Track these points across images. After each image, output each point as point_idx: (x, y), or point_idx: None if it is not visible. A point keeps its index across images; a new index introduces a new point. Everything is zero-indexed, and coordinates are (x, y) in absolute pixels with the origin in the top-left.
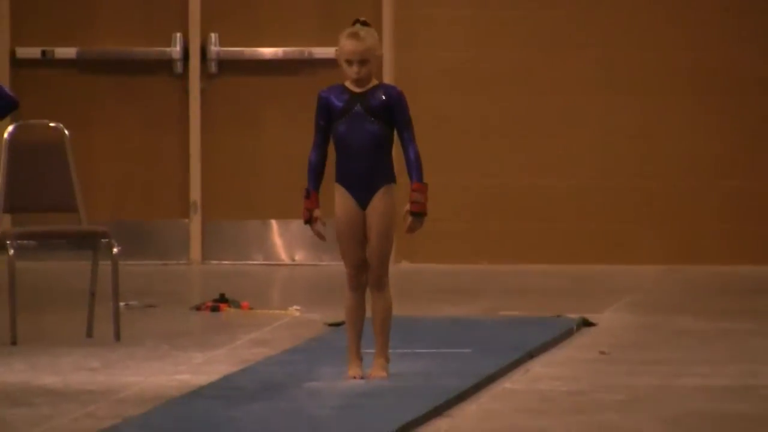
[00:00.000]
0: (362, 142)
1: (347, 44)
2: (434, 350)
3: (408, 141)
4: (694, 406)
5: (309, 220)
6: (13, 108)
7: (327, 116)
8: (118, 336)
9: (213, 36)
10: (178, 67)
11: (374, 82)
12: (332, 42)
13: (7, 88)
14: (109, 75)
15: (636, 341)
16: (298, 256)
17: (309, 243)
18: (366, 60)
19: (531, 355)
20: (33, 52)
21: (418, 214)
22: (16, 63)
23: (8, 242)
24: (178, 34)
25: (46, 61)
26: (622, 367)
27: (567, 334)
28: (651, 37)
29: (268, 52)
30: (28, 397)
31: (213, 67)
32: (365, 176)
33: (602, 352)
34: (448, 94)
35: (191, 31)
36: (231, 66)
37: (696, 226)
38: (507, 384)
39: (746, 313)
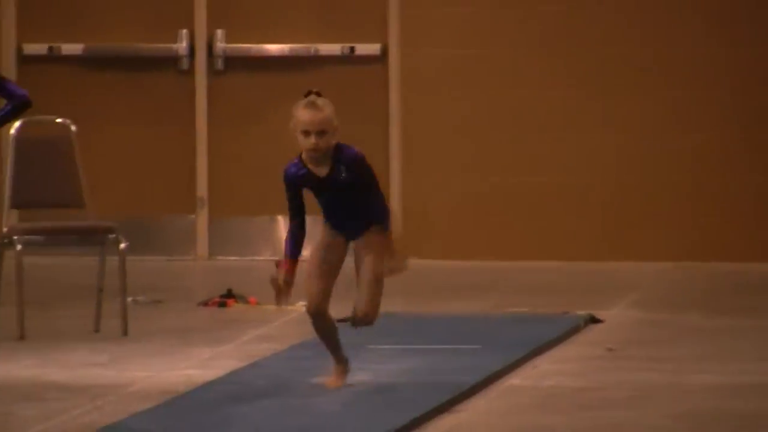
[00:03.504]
0: (345, 208)
1: (304, 114)
2: (442, 346)
3: (374, 198)
4: (701, 403)
5: (277, 285)
6: (26, 108)
7: (297, 191)
8: (125, 331)
9: (219, 32)
10: (185, 64)
11: (332, 152)
12: (338, 39)
13: (20, 89)
14: (116, 71)
15: (644, 338)
16: (306, 252)
17: (316, 239)
18: (324, 131)
19: (538, 352)
20: (39, 48)
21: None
22: (22, 59)
23: (15, 238)
24: (184, 31)
25: (53, 57)
26: (629, 363)
27: (574, 331)
28: (652, 32)
29: (274, 48)
30: (38, 392)
31: (219, 64)
32: (354, 224)
33: (609, 349)
34: (455, 93)
35: (197, 28)
36: (237, 63)
37: (706, 223)
38: (515, 380)
39: (756, 310)
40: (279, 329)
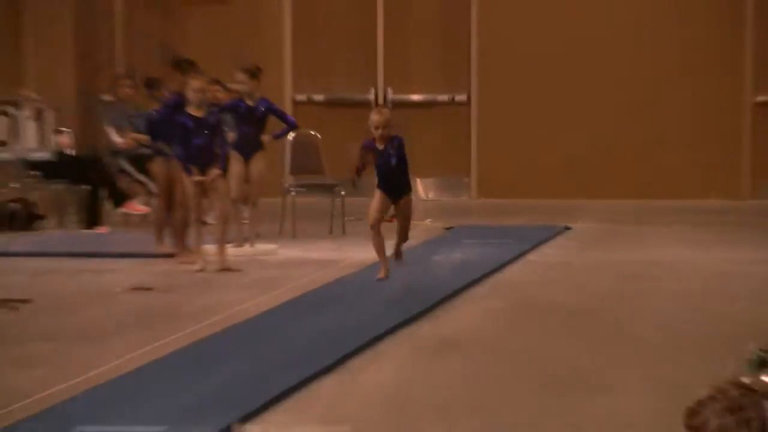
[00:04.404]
0: (392, 171)
1: (374, 116)
2: (496, 241)
3: (406, 170)
4: (628, 269)
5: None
6: (295, 128)
7: (365, 154)
8: (344, 232)
9: (389, 89)
10: (373, 107)
11: (389, 137)
12: (450, 90)
13: (291, 117)
14: (341, 109)
15: (598, 237)
16: (431, 194)
17: (436, 186)
18: (386, 126)
19: (542, 243)
20: (302, 97)
21: None
22: (294, 102)
23: (290, 188)
24: (373, 87)
25: (309, 102)
26: (589, 248)
27: (558, 233)
28: None
29: (414, 97)
30: (302, 264)
31: (389, 106)
32: (397, 187)
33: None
34: (525, 69)
35: (379, 86)
36: (397, 104)
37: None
38: (531, 257)
39: (689, 222)
40: (414, 235)
